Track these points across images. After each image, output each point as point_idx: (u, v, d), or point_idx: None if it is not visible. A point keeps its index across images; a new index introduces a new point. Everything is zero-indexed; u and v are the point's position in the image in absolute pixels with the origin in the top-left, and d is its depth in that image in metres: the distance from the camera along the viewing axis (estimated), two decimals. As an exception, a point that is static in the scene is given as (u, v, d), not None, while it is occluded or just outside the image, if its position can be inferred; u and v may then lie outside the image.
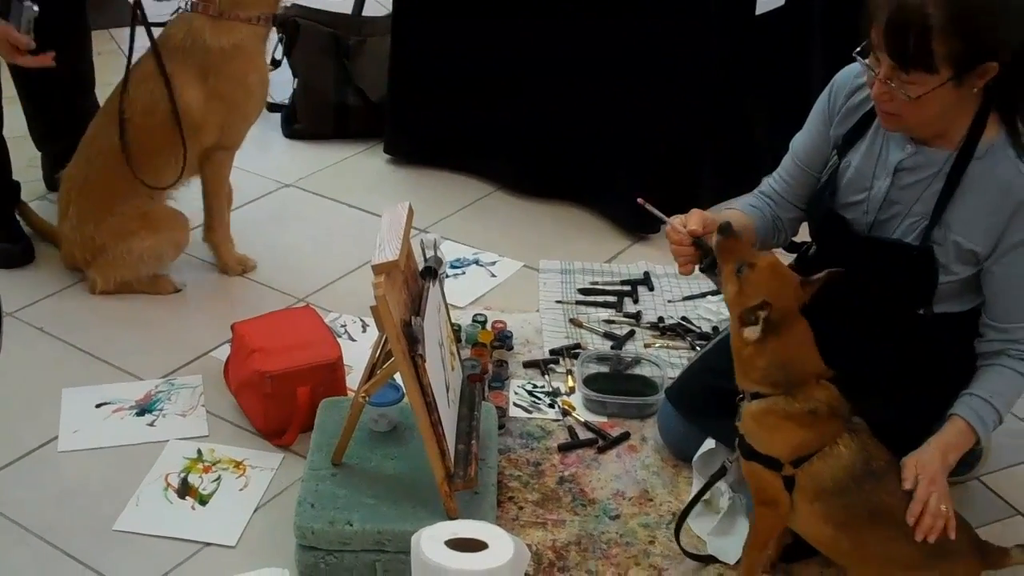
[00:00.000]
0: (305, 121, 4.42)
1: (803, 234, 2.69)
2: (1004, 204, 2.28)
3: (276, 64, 4.49)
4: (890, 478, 2.26)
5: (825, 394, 2.28)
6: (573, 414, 2.96)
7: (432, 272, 2.57)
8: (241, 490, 2.72)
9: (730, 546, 2.53)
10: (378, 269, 2.28)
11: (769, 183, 2.71)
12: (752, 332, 2.25)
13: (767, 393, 2.29)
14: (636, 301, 3.45)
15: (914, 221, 2.38)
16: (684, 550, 2.52)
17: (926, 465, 2.28)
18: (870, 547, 2.28)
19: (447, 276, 3.48)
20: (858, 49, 2.28)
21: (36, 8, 3.02)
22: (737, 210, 2.66)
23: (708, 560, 2.53)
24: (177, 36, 3.24)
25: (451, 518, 2.37)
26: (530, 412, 2.97)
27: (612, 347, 3.21)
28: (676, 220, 2.45)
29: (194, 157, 3.35)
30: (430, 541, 2.09)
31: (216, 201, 3.50)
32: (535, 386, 3.06)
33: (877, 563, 2.30)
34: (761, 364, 2.28)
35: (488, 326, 3.24)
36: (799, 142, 2.63)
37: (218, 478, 2.75)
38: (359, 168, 4.25)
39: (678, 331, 3.29)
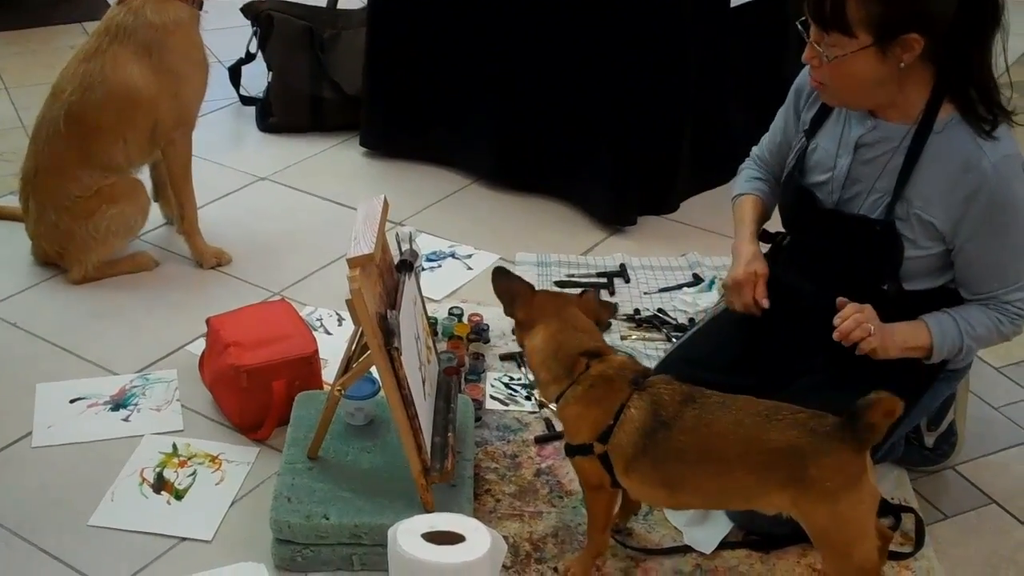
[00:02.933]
0: (280, 114, 4.40)
1: (776, 223, 2.70)
2: (964, 179, 2.30)
3: (250, 57, 4.48)
4: (683, 416, 2.25)
5: (600, 367, 2.32)
6: (549, 406, 2.96)
7: (408, 265, 2.56)
8: (217, 484, 2.71)
9: (706, 536, 2.54)
10: (353, 263, 2.28)
11: (763, 145, 2.77)
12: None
13: (562, 391, 2.34)
14: (612, 293, 3.46)
15: (877, 197, 2.40)
16: (623, 543, 2.54)
17: (865, 307, 2.33)
18: (710, 487, 2.28)
19: (423, 269, 3.47)
20: (802, 18, 2.33)
21: None
22: (752, 197, 2.71)
23: (685, 550, 2.53)
24: (119, 15, 3.29)
25: (428, 511, 2.37)
26: (507, 405, 2.97)
27: (588, 339, 3.20)
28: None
29: (147, 136, 3.37)
30: (407, 534, 2.09)
31: (183, 188, 3.50)
32: (512, 379, 3.06)
33: (732, 496, 2.31)
34: (539, 361, 2.36)
35: (464, 319, 3.23)
36: (777, 117, 2.70)
37: (194, 472, 2.74)
38: (334, 161, 4.24)
39: (654, 323, 3.30)
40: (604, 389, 2.31)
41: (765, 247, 2.71)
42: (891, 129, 2.38)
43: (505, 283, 2.42)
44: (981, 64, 2.30)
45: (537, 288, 2.47)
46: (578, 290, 2.54)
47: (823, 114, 2.52)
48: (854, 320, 2.31)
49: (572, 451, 2.38)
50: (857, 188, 2.44)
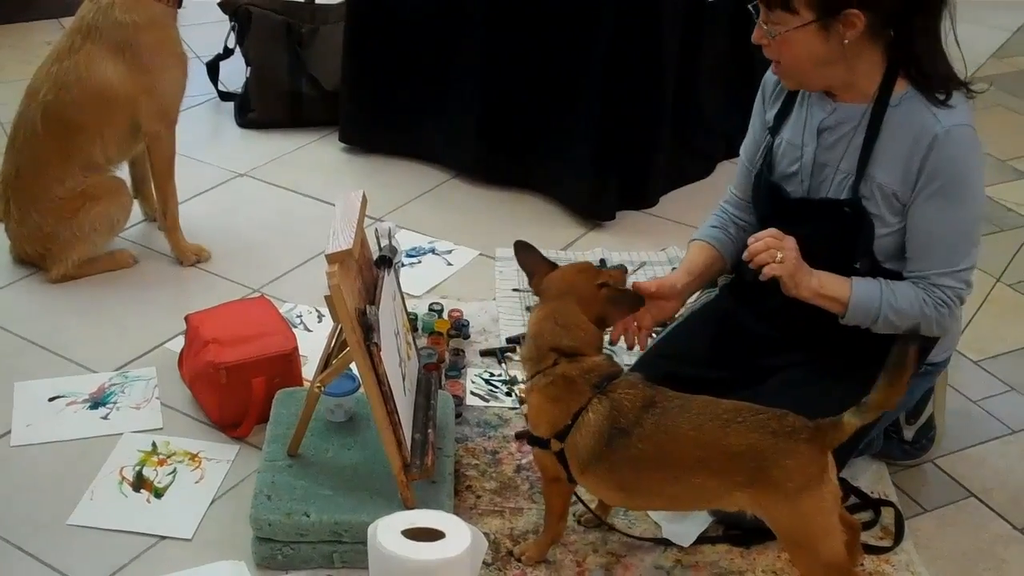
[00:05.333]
0: (258, 110, 4.39)
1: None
2: (919, 144, 2.32)
3: (228, 53, 4.47)
4: (642, 423, 2.25)
5: (566, 367, 2.32)
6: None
7: (387, 261, 2.56)
8: (197, 483, 2.70)
9: (684, 529, 2.55)
10: (332, 258, 2.27)
11: (729, 189, 2.78)
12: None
13: (532, 373, 2.36)
14: (592, 288, 3.45)
15: (843, 178, 2.43)
16: (589, 511, 2.54)
17: (786, 237, 2.35)
18: (669, 491, 2.29)
19: (403, 265, 3.47)
20: (752, 2, 2.38)
21: None
22: (701, 242, 2.71)
23: (664, 543, 2.54)
24: (88, 14, 3.27)
25: (408, 508, 2.37)
26: (487, 401, 2.97)
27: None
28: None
29: (126, 134, 3.36)
30: (387, 531, 2.09)
31: (166, 184, 3.49)
32: (492, 374, 3.06)
33: (691, 499, 2.31)
34: (529, 334, 2.37)
35: (444, 315, 3.23)
36: (744, 145, 2.71)
37: (173, 471, 2.73)
38: (314, 157, 4.23)
39: (634, 318, 3.30)
40: (563, 389, 2.31)
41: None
42: (850, 110, 2.42)
43: (523, 256, 2.41)
44: (929, 40, 2.33)
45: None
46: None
47: (786, 109, 2.55)
48: (764, 243, 2.33)
49: (532, 441, 2.39)
50: (825, 173, 2.46)
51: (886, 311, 2.38)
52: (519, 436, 2.84)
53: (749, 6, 2.38)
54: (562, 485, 2.40)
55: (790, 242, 2.34)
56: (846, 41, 2.30)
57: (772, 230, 2.35)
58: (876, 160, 2.38)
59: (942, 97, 2.32)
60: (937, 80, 2.34)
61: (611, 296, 2.35)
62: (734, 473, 2.20)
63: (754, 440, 2.18)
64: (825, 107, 2.46)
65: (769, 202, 2.57)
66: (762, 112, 2.64)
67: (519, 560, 2.48)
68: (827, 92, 2.46)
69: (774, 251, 2.32)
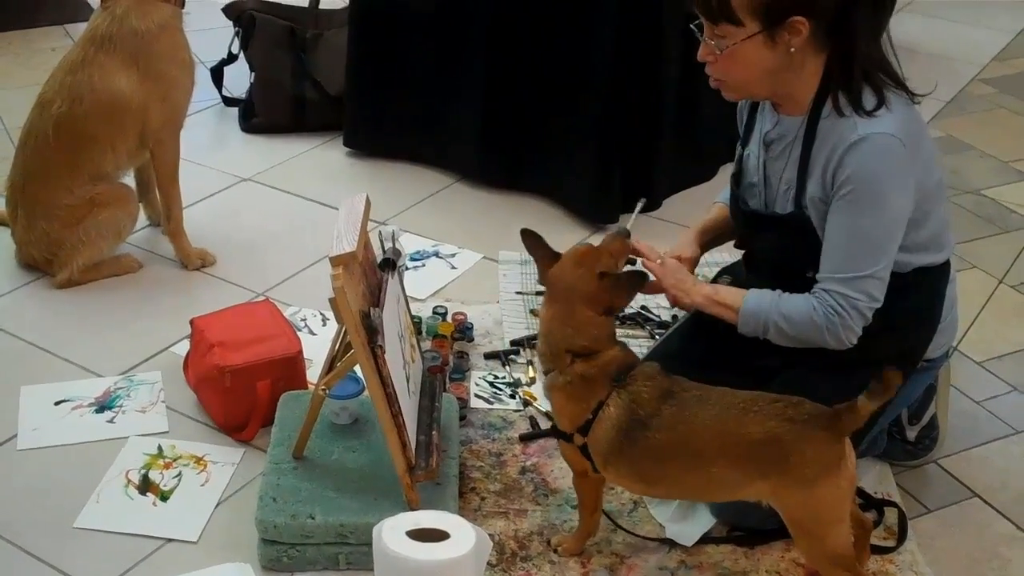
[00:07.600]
0: (263, 115, 4.40)
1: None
2: (835, 152, 2.31)
3: (233, 58, 4.48)
4: (661, 414, 2.27)
5: (583, 367, 2.32)
6: (534, 404, 2.97)
7: (391, 263, 2.57)
8: (202, 485, 2.71)
9: (688, 530, 2.55)
10: (336, 261, 2.28)
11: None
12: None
13: (549, 370, 2.38)
14: (596, 291, 3.46)
15: (786, 190, 2.45)
16: (616, 523, 2.56)
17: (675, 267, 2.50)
18: (689, 481, 2.31)
19: (407, 268, 3.48)
20: (696, 22, 2.37)
21: None
22: (720, 204, 2.76)
23: (668, 544, 2.54)
24: (103, 24, 3.27)
25: (413, 509, 2.37)
26: (491, 403, 2.98)
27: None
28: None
29: (136, 142, 3.37)
30: (392, 532, 2.09)
31: (170, 188, 3.50)
32: (496, 377, 3.07)
33: (711, 489, 2.32)
34: (541, 332, 2.37)
35: (448, 318, 3.24)
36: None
37: (179, 474, 2.74)
38: (318, 161, 4.24)
39: (637, 320, 3.31)
40: (582, 387, 2.32)
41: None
42: (790, 122, 2.43)
43: (529, 245, 2.39)
44: (869, 49, 2.33)
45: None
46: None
47: (750, 122, 2.57)
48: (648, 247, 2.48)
49: (557, 434, 2.42)
50: (773, 184, 2.49)
51: (775, 318, 2.39)
52: (523, 438, 2.85)
53: (692, 25, 2.38)
54: (591, 479, 2.42)
55: (668, 269, 2.50)
56: (792, 49, 2.30)
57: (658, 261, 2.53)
58: (810, 172, 2.38)
59: (872, 108, 2.30)
60: (872, 89, 2.32)
61: (613, 285, 2.33)
62: (754, 461, 2.21)
63: (772, 427, 2.19)
64: (771, 119, 2.48)
65: (733, 212, 2.62)
66: (739, 120, 2.66)
67: (555, 551, 2.51)
68: (773, 103, 2.47)
69: (656, 252, 2.50)
